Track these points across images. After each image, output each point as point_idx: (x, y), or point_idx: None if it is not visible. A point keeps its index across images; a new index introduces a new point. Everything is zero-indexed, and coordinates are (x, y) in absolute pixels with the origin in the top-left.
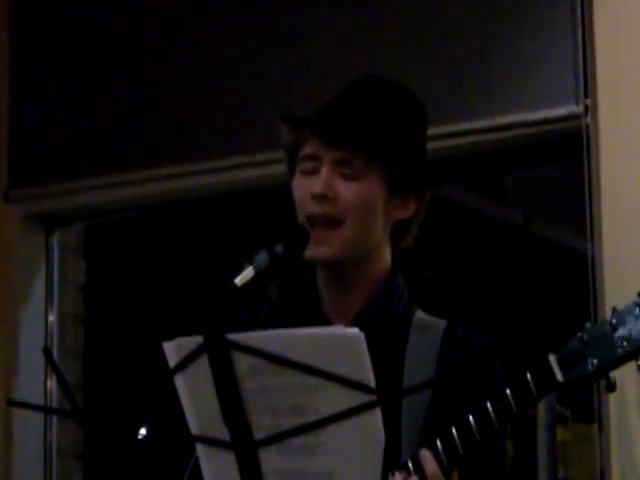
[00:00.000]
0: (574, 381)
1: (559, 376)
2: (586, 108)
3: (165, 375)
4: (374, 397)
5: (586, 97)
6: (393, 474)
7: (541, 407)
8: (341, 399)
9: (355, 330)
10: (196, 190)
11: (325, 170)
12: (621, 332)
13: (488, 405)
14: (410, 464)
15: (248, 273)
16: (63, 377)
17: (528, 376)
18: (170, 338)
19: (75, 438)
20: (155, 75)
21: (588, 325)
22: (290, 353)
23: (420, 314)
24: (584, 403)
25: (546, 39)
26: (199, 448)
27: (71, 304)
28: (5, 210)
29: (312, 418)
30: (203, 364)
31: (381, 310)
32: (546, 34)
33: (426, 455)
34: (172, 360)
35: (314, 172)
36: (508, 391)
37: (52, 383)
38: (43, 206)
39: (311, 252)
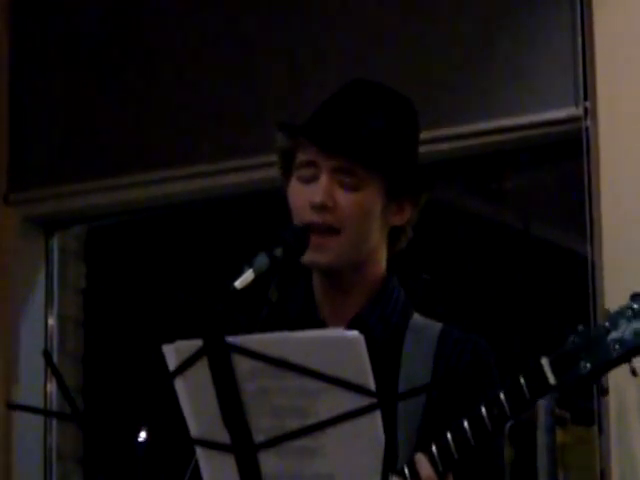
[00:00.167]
0: (567, 384)
1: (551, 379)
2: (585, 111)
3: (165, 378)
4: (374, 400)
5: (585, 100)
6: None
7: (540, 410)
8: (341, 401)
9: (355, 332)
10: (196, 193)
11: (324, 178)
12: (614, 335)
13: (482, 409)
14: (406, 469)
15: (248, 276)
16: (63, 380)
17: (521, 380)
18: (170, 341)
19: (75, 441)
20: (154, 79)
21: (581, 328)
22: (290, 356)
23: (417, 317)
24: (583, 406)
25: (546, 42)
26: (199, 451)
27: (71, 307)
28: (5, 213)
29: (312, 420)
30: (203, 367)
31: (376, 315)
32: (546, 37)
33: (421, 459)
34: (172, 363)
35: (312, 179)
36: (502, 395)
37: (52, 386)
38: (43, 209)
39: (309, 257)
